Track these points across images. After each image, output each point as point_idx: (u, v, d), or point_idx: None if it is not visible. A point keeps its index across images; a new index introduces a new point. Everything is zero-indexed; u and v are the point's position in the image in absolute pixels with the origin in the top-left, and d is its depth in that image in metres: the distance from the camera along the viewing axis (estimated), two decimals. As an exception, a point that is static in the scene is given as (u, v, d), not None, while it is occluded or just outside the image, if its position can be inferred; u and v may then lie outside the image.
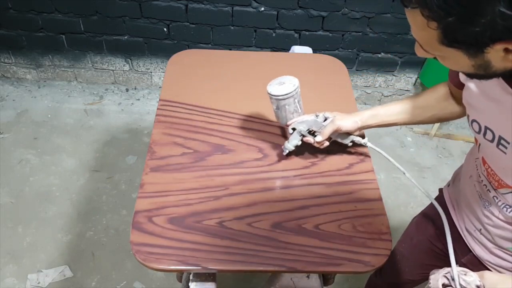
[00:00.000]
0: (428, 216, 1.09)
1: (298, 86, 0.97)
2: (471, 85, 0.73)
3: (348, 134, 1.01)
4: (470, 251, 0.92)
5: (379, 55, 2.27)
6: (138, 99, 2.43)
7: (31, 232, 1.77)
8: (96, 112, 2.34)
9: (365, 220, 0.93)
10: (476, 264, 0.91)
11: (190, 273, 0.97)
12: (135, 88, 2.49)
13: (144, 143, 2.16)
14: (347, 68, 1.37)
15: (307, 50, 1.75)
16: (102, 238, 1.76)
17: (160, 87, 2.48)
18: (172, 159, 1.03)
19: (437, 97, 0.96)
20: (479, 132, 0.76)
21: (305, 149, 1.08)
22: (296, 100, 0.98)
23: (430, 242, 1.06)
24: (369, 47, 2.22)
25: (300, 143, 1.00)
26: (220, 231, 0.89)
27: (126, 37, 2.24)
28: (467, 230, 0.93)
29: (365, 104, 2.49)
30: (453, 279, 0.72)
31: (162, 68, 2.39)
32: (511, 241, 0.83)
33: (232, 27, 2.16)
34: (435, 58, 0.63)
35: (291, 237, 0.89)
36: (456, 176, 1.01)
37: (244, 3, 2.05)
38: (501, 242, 0.84)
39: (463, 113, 0.95)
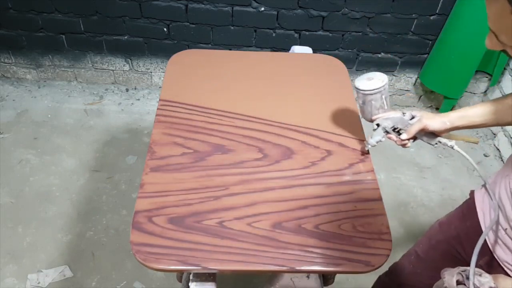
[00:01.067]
0: (452, 218, 1.07)
1: (387, 83, 0.97)
2: None
3: (434, 134, 0.99)
4: (490, 251, 0.91)
5: (379, 55, 2.27)
6: (138, 99, 2.43)
7: (31, 232, 1.77)
8: (96, 112, 2.34)
9: (365, 220, 0.93)
10: (494, 267, 0.90)
11: (190, 273, 0.97)
12: (135, 88, 2.49)
13: (144, 143, 2.16)
14: (347, 68, 1.37)
15: (307, 50, 1.75)
16: (102, 238, 1.76)
17: (160, 87, 2.48)
18: (172, 159, 1.03)
19: None
20: None
21: (305, 148, 1.08)
22: (383, 96, 0.98)
23: (449, 244, 1.04)
24: (369, 47, 2.22)
25: (383, 139, 1.00)
26: (220, 231, 0.89)
27: (126, 37, 2.24)
28: (492, 230, 0.91)
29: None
30: (467, 278, 0.71)
31: (162, 68, 2.39)
32: None
33: (232, 27, 2.16)
34: (503, 51, 0.60)
35: (291, 237, 0.89)
36: (494, 177, 0.98)
37: (244, 3, 2.05)
38: None
39: None
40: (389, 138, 1.00)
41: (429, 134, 0.99)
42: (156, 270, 0.84)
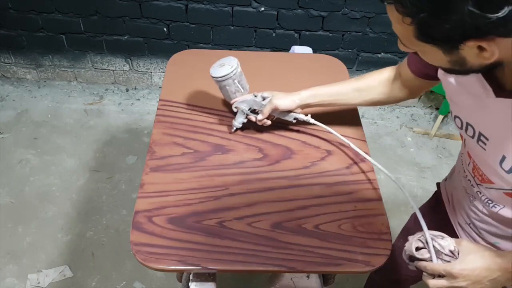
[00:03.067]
0: (425, 210, 1.10)
1: (237, 67, 1.02)
2: (451, 80, 0.74)
3: (289, 112, 1.04)
4: None
5: (379, 55, 2.27)
6: (138, 99, 2.43)
7: (31, 232, 1.77)
8: (96, 112, 2.34)
9: (365, 220, 0.93)
10: None
11: (190, 273, 0.97)
12: (135, 88, 2.49)
13: (144, 143, 2.16)
14: (347, 68, 1.37)
15: (307, 50, 1.75)
16: (102, 238, 1.76)
17: (160, 87, 2.48)
18: (172, 159, 1.03)
19: (380, 80, 0.99)
20: (461, 128, 0.77)
21: (305, 148, 1.08)
22: (236, 81, 1.03)
23: None
24: (369, 47, 2.22)
25: (245, 120, 1.07)
26: (220, 231, 0.89)
27: (126, 37, 2.24)
28: (459, 224, 0.95)
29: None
30: (427, 242, 0.72)
31: (162, 68, 2.39)
32: (496, 236, 0.84)
33: (232, 27, 2.16)
34: (415, 53, 0.63)
35: (291, 237, 0.89)
36: (452, 170, 1.03)
37: (244, 3, 2.05)
38: (488, 237, 0.86)
39: (403, 99, 0.99)
40: (250, 119, 1.06)
41: (284, 112, 1.04)
42: (156, 270, 0.84)
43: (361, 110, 2.43)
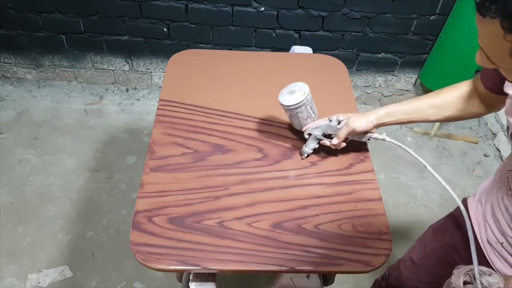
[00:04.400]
0: (447, 225, 1.07)
1: (309, 93, 0.99)
2: None
3: (365, 132, 1.01)
4: (488, 262, 0.90)
5: (379, 55, 2.27)
6: (138, 99, 2.43)
7: (31, 232, 1.77)
8: (96, 112, 2.34)
9: (365, 220, 0.93)
10: None
11: (190, 273, 0.97)
12: (135, 88, 2.49)
13: (144, 143, 2.16)
14: (347, 68, 1.37)
15: (307, 50, 1.75)
16: (102, 238, 1.76)
17: (160, 87, 2.48)
18: (172, 159, 1.03)
19: (458, 96, 0.94)
20: None
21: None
22: (308, 107, 0.99)
23: (445, 251, 1.04)
24: (369, 47, 2.22)
25: (317, 146, 1.03)
26: (220, 231, 0.89)
27: (126, 37, 2.24)
28: (488, 242, 0.90)
29: (365, 104, 2.49)
30: (475, 278, 0.70)
31: (162, 68, 2.39)
32: None
33: (232, 27, 2.16)
34: (495, 69, 0.59)
35: (291, 237, 0.89)
36: (483, 187, 0.98)
37: (244, 3, 2.05)
38: None
39: (481, 114, 0.94)
40: (323, 144, 1.03)
41: (360, 134, 1.01)
42: (156, 270, 0.84)
43: (361, 110, 2.43)
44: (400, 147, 0.97)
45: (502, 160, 2.23)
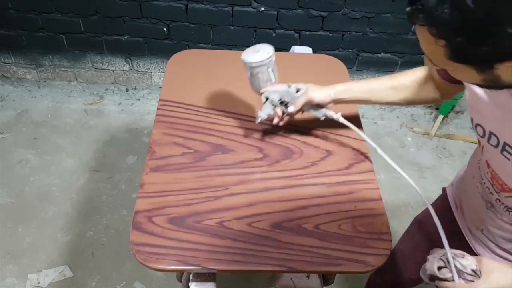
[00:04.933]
0: (429, 216, 1.09)
1: (272, 55, 0.97)
2: (478, 90, 0.72)
3: (321, 107, 1.00)
4: (472, 250, 0.92)
5: (379, 55, 2.27)
6: (138, 99, 2.43)
7: (31, 232, 1.77)
8: (96, 112, 2.34)
9: (365, 220, 0.93)
10: None
11: (190, 273, 0.97)
12: (135, 88, 2.49)
13: (144, 143, 2.16)
14: (347, 68, 1.37)
15: (307, 50, 1.75)
16: (102, 238, 1.76)
17: (160, 87, 2.48)
18: (172, 159, 1.03)
19: (414, 80, 0.97)
20: (483, 136, 0.75)
21: (305, 148, 1.08)
22: (269, 69, 0.98)
23: (431, 241, 1.05)
24: (369, 47, 2.22)
25: (272, 112, 1.01)
26: (220, 231, 0.89)
27: (126, 37, 2.24)
28: (469, 230, 0.93)
29: (365, 104, 2.49)
30: (448, 262, 0.72)
31: (162, 68, 2.39)
32: None
33: (232, 27, 2.16)
34: (444, 70, 0.62)
35: (291, 237, 0.89)
36: (459, 175, 1.01)
37: (244, 3, 2.05)
38: (503, 243, 0.84)
39: (436, 100, 0.97)
40: (276, 112, 1.00)
41: (316, 107, 1.00)
42: (156, 270, 0.84)
43: (361, 110, 2.43)
44: (351, 128, 0.99)
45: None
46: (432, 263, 0.75)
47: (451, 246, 0.75)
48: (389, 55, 2.27)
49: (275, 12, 2.08)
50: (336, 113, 1.01)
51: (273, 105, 1.00)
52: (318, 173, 1.03)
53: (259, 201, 0.95)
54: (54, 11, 2.15)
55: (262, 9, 2.07)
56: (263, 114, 1.00)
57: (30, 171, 2.00)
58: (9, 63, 2.42)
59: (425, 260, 1.09)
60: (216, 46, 2.24)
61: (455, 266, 0.71)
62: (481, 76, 0.56)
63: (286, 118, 1.02)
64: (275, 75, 1.00)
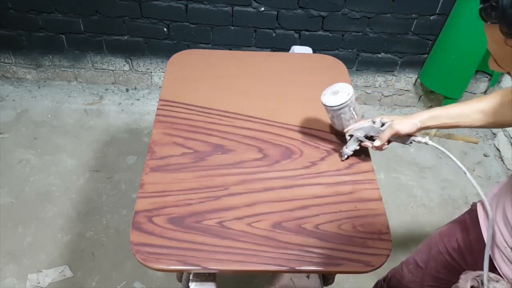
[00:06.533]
0: (454, 228, 1.06)
1: (353, 95, 0.98)
2: None
3: (408, 135, 0.99)
4: (495, 268, 0.89)
5: (379, 55, 2.27)
6: (138, 99, 2.43)
7: (31, 232, 1.77)
8: (96, 112, 2.34)
9: (365, 220, 0.93)
10: None
11: (190, 273, 0.97)
12: (135, 88, 2.49)
13: (144, 143, 2.16)
14: (347, 68, 1.37)
15: (307, 50, 1.76)
16: (102, 238, 1.76)
17: (160, 87, 2.48)
18: (172, 159, 1.03)
19: (505, 101, 0.92)
20: None
21: (305, 148, 1.08)
22: (351, 108, 0.99)
23: (450, 255, 1.03)
24: (369, 47, 2.22)
25: (358, 147, 1.03)
26: (220, 231, 0.89)
27: (126, 37, 2.24)
28: (496, 246, 0.89)
29: (365, 104, 2.49)
30: (482, 283, 0.70)
31: (162, 68, 2.39)
32: None
33: (232, 27, 2.16)
34: (508, 73, 0.61)
35: (291, 237, 0.89)
36: (495, 190, 0.97)
37: (244, 3, 2.05)
38: None
39: None
40: (364, 146, 1.02)
41: (402, 136, 1.00)
42: (156, 270, 0.84)
43: (361, 110, 2.43)
44: (444, 152, 0.96)
45: (502, 160, 2.23)
46: (466, 282, 0.73)
47: (473, 262, 0.72)
48: (389, 55, 2.27)
49: (275, 12, 2.08)
50: (424, 137, 1.00)
51: (358, 141, 1.02)
52: (318, 173, 1.03)
53: (259, 201, 0.95)
54: (54, 11, 2.14)
55: (262, 9, 2.07)
56: (348, 150, 1.03)
57: (30, 171, 2.00)
58: (9, 63, 2.42)
59: (439, 274, 1.07)
60: (216, 46, 2.24)
61: None
62: None
63: (375, 149, 1.02)
64: (357, 112, 1.01)
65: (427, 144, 0.98)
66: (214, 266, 0.83)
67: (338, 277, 1.20)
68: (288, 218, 0.92)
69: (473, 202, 1.05)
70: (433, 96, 2.44)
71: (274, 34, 2.18)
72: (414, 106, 2.50)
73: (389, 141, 1.01)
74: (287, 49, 2.20)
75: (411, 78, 2.38)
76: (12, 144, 2.12)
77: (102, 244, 1.75)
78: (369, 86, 2.42)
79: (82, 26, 2.20)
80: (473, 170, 2.16)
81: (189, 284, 0.95)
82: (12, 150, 2.09)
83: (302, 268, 0.85)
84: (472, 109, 0.94)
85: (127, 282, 1.64)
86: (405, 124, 0.96)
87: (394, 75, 2.37)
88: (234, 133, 1.11)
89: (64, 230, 1.78)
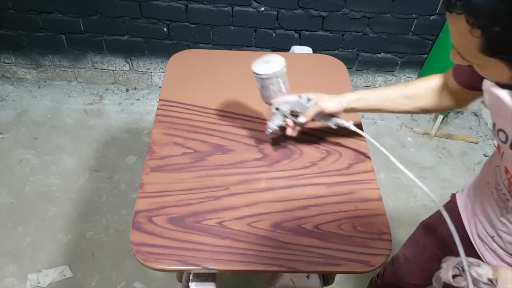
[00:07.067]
0: (437, 220, 1.07)
1: (284, 66, 0.96)
2: (502, 94, 0.69)
3: (332, 116, 1.00)
4: (480, 258, 0.90)
5: (379, 55, 2.27)
6: (138, 99, 2.43)
7: (31, 232, 1.77)
8: (96, 112, 2.34)
9: (365, 220, 0.93)
10: None
11: (190, 273, 0.97)
12: (135, 88, 2.49)
13: (144, 143, 2.16)
14: (347, 68, 1.37)
15: (307, 50, 1.75)
16: (102, 238, 1.76)
17: (160, 87, 2.48)
18: (172, 159, 1.03)
19: (429, 88, 0.96)
20: (505, 142, 0.73)
21: (305, 148, 1.08)
22: (280, 80, 0.97)
23: (437, 248, 1.04)
24: (369, 47, 2.22)
25: (283, 123, 1.00)
26: (220, 231, 0.89)
27: (126, 37, 2.24)
28: (478, 237, 0.91)
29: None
30: (463, 270, 0.70)
31: (162, 68, 2.39)
32: None
33: (232, 27, 2.16)
34: (470, 66, 0.61)
35: (291, 237, 0.89)
36: (471, 182, 0.99)
37: (244, 3, 2.05)
38: None
39: (451, 108, 0.96)
40: (287, 122, 1.00)
41: (327, 116, 0.99)
42: (156, 270, 0.84)
43: (361, 110, 2.43)
44: (362, 135, 0.98)
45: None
46: (447, 271, 0.72)
47: (458, 251, 0.73)
48: (389, 55, 2.27)
49: (275, 12, 2.08)
50: (347, 121, 1.00)
51: (283, 115, 0.99)
52: (318, 173, 1.03)
53: (259, 201, 0.95)
54: (54, 11, 2.14)
55: (262, 9, 2.07)
56: (273, 125, 1.00)
57: (30, 171, 2.00)
58: (9, 63, 2.42)
59: (428, 266, 1.08)
60: (216, 46, 2.24)
61: (471, 275, 0.70)
62: (511, 72, 0.54)
63: (297, 128, 1.01)
64: (286, 86, 0.99)
65: (350, 128, 0.99)
66: (214, 266, 0.83)
67: (338, 277, 1.20)
68: (288, 218, 0.92)
69: (452, 194, 1.07)
70: (433, 96, 2.44)
71: (274, 34, 2.18)
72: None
73: (313, 120, 1.00)
74: (287, 49, 2.20)
75: (411, 78, 2.38)
76: (12, 144, 2.12)
77: (102, 244, 1.75)
78: (369, 86, 2.42)
79: (82, 26, 2.20)
80: (473, 170, 2.17)
81: (189, 284, 0.95)
82: (12, 150, 2.09)
83: (302, 268, 0.85)
84: (398, 94, 0.97)
85: (127, 282, 1.64)
86: (331, 102, 0.96)
87: (394, 75, 2.37)
88: (234, 133, 1.11)
89: (64, 230, 1.78)
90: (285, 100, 0.98)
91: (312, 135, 1.12)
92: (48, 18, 2.18)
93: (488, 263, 0.87)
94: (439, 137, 2.34)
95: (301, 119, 0.98)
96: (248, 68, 1.33)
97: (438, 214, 1.09)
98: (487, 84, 0.75)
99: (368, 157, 1.09)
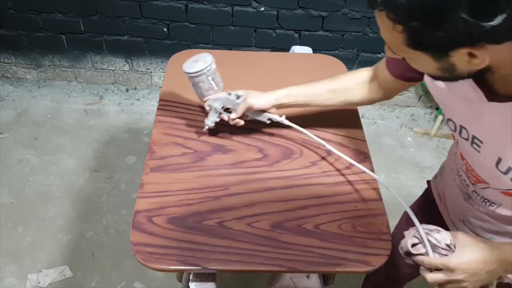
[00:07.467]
0: (419, 207, 1.10)
1: (211, 64, 0.99)
2: (441, 85, 0.73)
3: (262, 111, 1.01)
4: None
5: (379, 55, 2.27)
6: (138, 99, 2.43)
7: (31, 232, 1.77)
8: (96, 112, 2.34)
9: (365, 220, 0.93)
10: None
11: (190, 273, 0.97)
12: (135, 88, 2.49)
13: (144, 143, 2.16)
14: (347, 68, 1.37)
15: (307, 50, 1.75)
16: (102, 238, 1.76)
17: (160, 87, 2.48)
18: (172, 159, 1.03)
19: (355, 82, 0.98)
20: (455, 130, 0.77)
21: (305, 148, 1.08)
22: (209, 78, 0.99)
23: None
24: (369, 47, 2.23)
25: (218, 119, 1.03)
26: (220, 231, 0.89)
27: (126, 37, 2.24)
28: (452, 221, 0.95)
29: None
30: (422, 237, 0.73)
31: (162, 68, 2.39)
32: (492, 232, 0.85)
33: (232, 27, 2.16)
34: (403, 59, 0.63)
35: (291, 237, 0.89)
36: (442, 168, 1.03)
37: (244, 3, 2.05)
38: (483, 233, 0.86)
39: (378, 100, 0.99)
40: (222, 118, 1.03)
41: (258, 112, 1.01)
42: (156, 270, 0.84)
43: (361, 110, 2.43)
44: (298, 130, 1.00)
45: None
46: (406, 240, 0.77)
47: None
48: (389, 55, 2.27)
49: (275, 12, 2.08)
50: (280, 116, 1.02)
51: (217, 112, 1.02)
52: (318, 173, 1.03)
53: (259, 201, 0.95)
54: (54, 11, 2.15)
55: (262, 9, 2.07)
56: (209, 122, 1.03)
57: (30, 171, 2.00)
58: (9, 63, 2.42)
59: None
60: (216, 46, 2.24)
61: (430, 241, 0.73)
62: (437, 64, 0.57)
63: (233, 122, 1.02)
64: (218, 83, 1.02)
65: (283, 123, 1.01)
66: (214, 266, 0.83)
67: (338, 277, 1.20)
68: (288, 218, 0.92)
69: (427, 181, 1.11)
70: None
71: (274, 34, 2.18)
72: (414, 106, 2.50)
73: (246, 116, 1.02)
74: (287, 49, 2.20)
75: (411, 78, 2.38)
76: (12, 144, 2.12)
77: (102, 244, 1.75)
78: (369, 86, 2.42)
79: (82, 26, 2.20)
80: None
81: (189, 284, 0.95)
82: (12, 150, 2.09)
83: (302, 268, 0.85)
84: (325, 88, 0.99)
85: (127, 282, 1.64)
86: (260, 99, 0.99)
87: (394, 75, 2.37)
88: (234, 133, 1.11)
89: (64, 230, 1.78)
90: (216, 97, 1.01)
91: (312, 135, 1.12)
92: (48, 18, 2.18)
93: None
94: (439, 137, 2.34)
95: (232, 115, 1.00)
96: (249, 68, 1.34)
97: (417, 204, 1.13)
98: (426, 78, 0.77)
99: (368, 157, 1.09)
